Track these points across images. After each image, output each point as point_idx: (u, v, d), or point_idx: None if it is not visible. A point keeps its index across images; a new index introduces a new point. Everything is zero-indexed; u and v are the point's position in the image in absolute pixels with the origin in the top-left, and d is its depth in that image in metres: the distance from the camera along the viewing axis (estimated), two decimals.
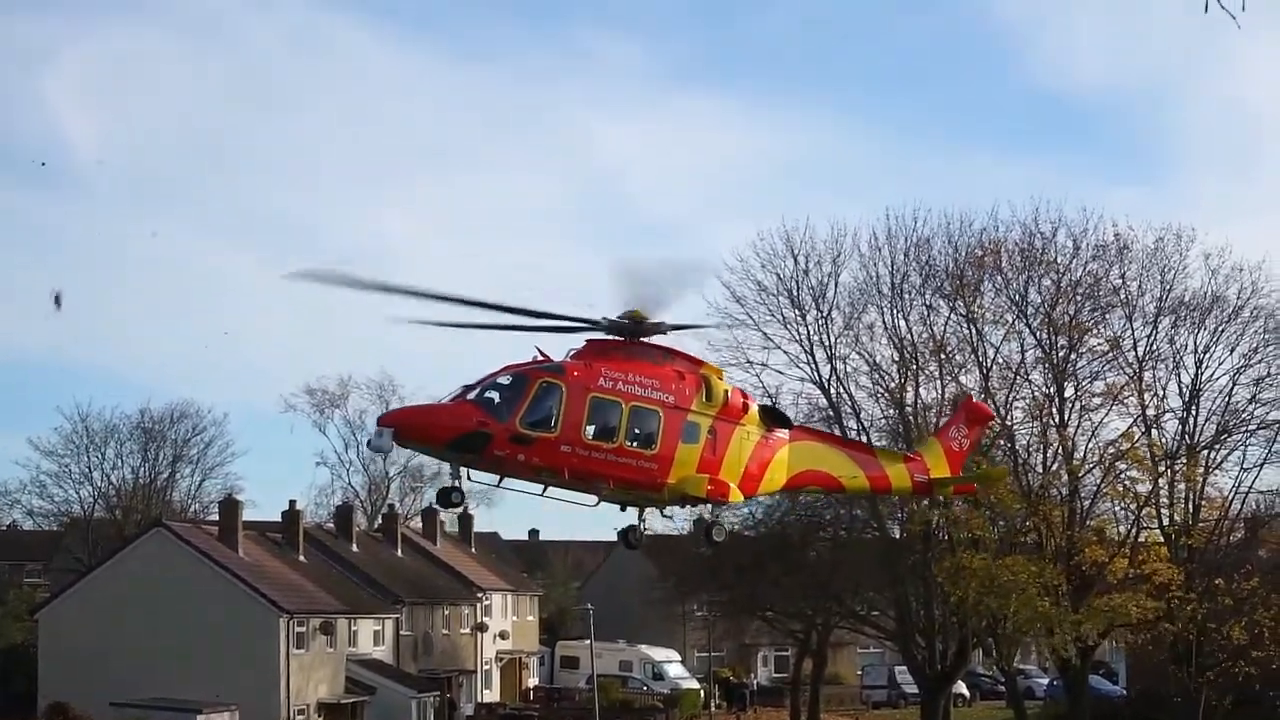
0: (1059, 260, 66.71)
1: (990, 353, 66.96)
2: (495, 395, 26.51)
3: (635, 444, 27.01)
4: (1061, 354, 65.86)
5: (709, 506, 29.64)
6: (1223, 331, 66.38)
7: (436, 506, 25.09)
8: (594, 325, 27.43)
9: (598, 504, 28.01)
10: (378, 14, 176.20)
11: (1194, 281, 66.39)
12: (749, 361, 66.43)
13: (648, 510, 29.18)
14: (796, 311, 67.73)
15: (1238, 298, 66.13)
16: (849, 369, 68.72)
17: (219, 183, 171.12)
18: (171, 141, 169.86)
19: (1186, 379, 66.71)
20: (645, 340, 27.79)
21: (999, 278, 67.00)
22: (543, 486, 27.36)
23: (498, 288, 55.38)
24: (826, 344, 68.03)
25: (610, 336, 27.63)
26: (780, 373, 67.38)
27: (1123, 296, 66.62)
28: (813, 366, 67.93)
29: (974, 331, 67.00)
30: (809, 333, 67.85)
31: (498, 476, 27.06)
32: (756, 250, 67.87)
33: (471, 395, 26.44)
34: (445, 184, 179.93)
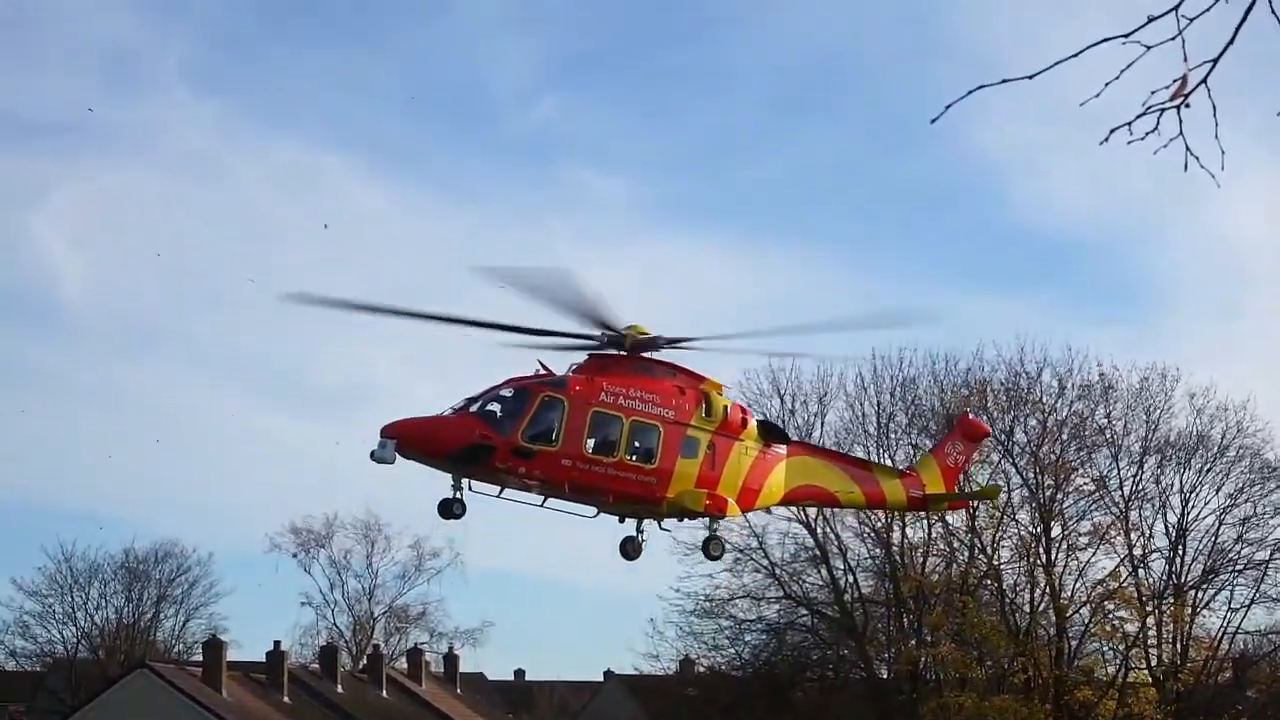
0: (1044, 400, 67.21)
1: None
2: (498, 408, 26.62)
3: (635, 458, 27.25)
4: (1048, 493, 66.04)
5: (708, 521, 29.82)
6: (1209, 471, 66.69)
7: (440, 518, 25.49)
8: (593, 340, 27.68)
9: (596, 515, 28.03)
10: (366, 153, 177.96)
11: (1179, 421, 66.91)
12: None
13: (647, 527, 29.22)
14: None
15: (1222, 438, 66.57)
16: None
17: (205, 321, 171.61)
18: (156, 280, 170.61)
19: (1173, 518, 66.92)
20: (646, 356, 28.01)
21: (985, 417, 67.41)
22: (542, 499, 27.39)
23: None
24: None
25: (611, 352, 27.94)
26: (766, 511, 67.48)
27: (1108, 436, 67.01)
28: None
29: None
30: None
31: (498, 488, 26.93)
32: (743, 389, 68.28)
33: (474, 408, 26.51)
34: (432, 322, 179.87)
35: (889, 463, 67.64)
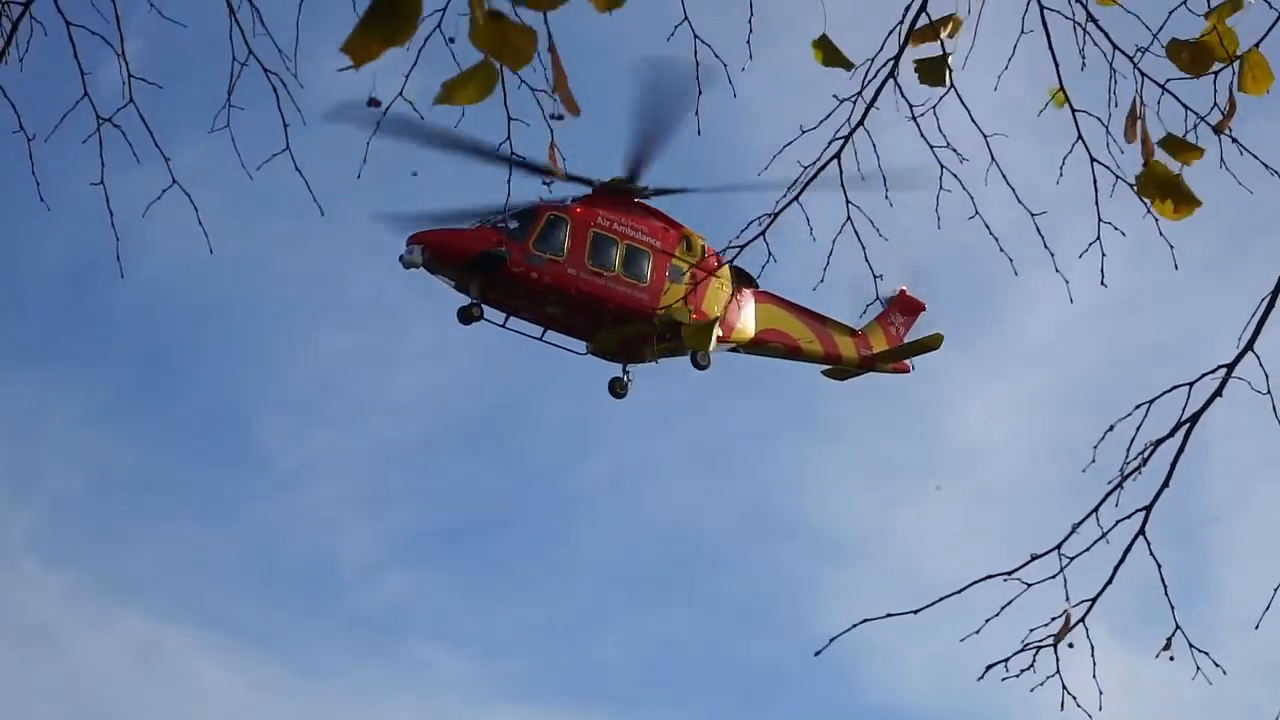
0: None
1: None
2: (513, 223, 29.68)
3: (629, 275, 30.99)
4: None
5: (692, 354, 32.85)
6: None
7: (460, 324, 27.89)
8: (589, 184, 30.96)
9: (586, 353, 31.31)
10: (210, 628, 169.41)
11: None
12: None
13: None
14: None
15: None
16: None
17: None
18: None
19: None
20: (634, 199, 31.67)
21: None
22: (542, 331, 30.68)
23: None
24: None
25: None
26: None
27: None
28: None
29: None
30: None
31: (505, 316, 30.09)
32: None
33: (490, 224, 29.56)
34: None
35: None
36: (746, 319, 34.03)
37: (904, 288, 51.57)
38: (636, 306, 31.25)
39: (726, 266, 32.66)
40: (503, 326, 31.04)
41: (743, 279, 32.80)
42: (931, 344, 55.31)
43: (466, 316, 30.54)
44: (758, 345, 36.65)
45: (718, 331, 32.70)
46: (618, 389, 33.14)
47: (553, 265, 30.22)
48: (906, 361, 43.37)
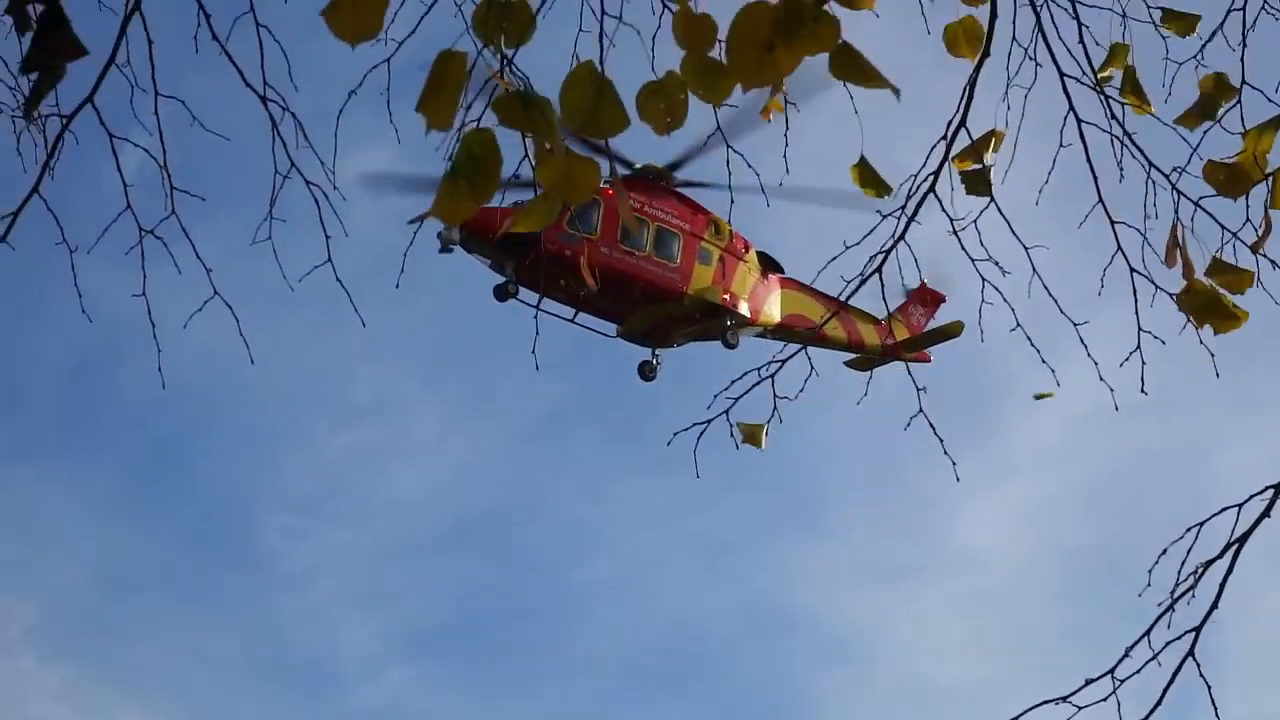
0: None
1: None
2: None
3: (660, 256, 31.45)
4: None
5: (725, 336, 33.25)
6: None
7: (497, 301, 28.40)
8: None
9: (616, 335, 31.64)
10: None
11: None
12: None
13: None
14: None
15: None
16: None
17: None
18: None
19: None
20: (663, 185, 32.02)
21: None
22: (574, 312, 30.50)
23: None
24: None
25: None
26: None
27: None
28: None
29: None
30: None
31: (538, 297, 28.52)
32: None
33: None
34: None
35: None
36: (773, 303, 34.65)
37: (924, 280, 51.74)
38: (667, 286, 31.82)
39: (753, 251, 34.18)
40: (535, 307, 31.48)
41: (769, 264, 34.67)
42: (952, 331, 55.12)
43: (502, 294, 30.64)
44: (784, 330, 37.40)
45: (745, 313, 33.43)
46: (647, 372, 33.61)
47: (586, 242, 30.44)
48: (927, 351, 43.85)
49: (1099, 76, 6.98)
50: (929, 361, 51.82)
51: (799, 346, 7.21)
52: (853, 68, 4.47)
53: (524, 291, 30.42)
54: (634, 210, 31.45)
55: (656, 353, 33.40)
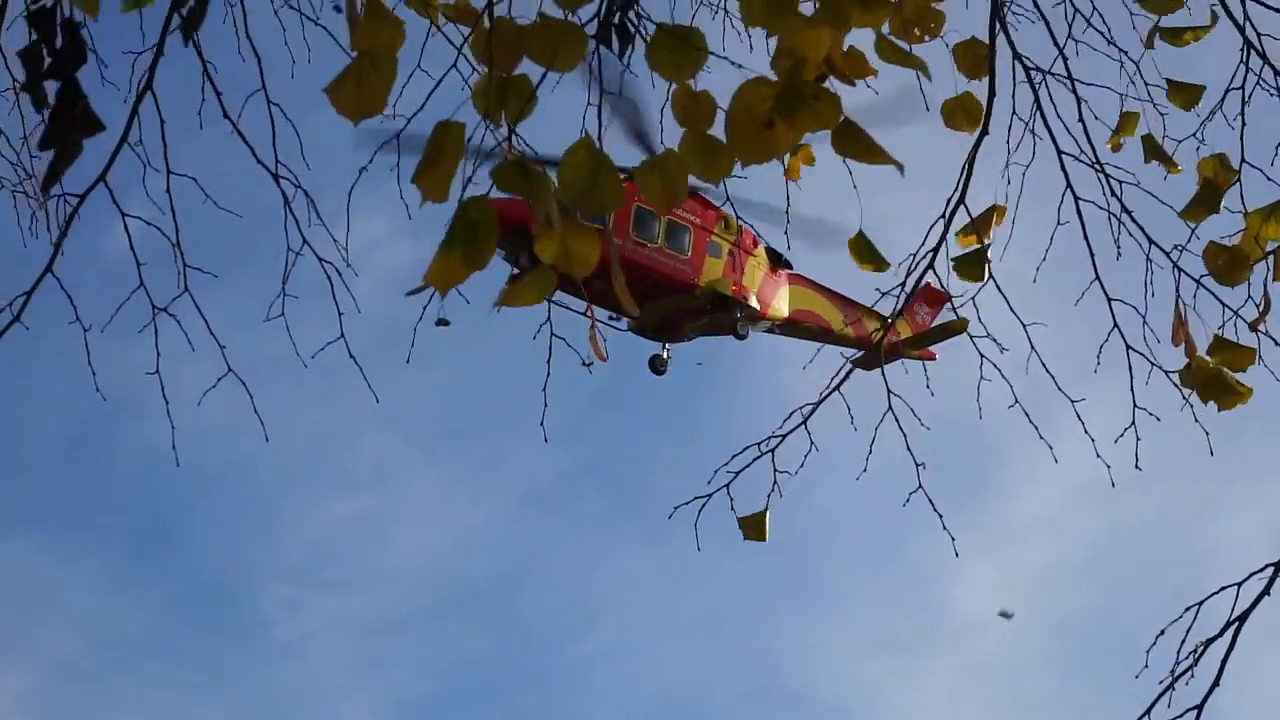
0: None
1: None
2: None
3: (672, 248, 31.32)
4: None
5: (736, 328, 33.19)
6: None
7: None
8: (625, 171, 31.70)
9: (628, 329, 31.16)
10: None
11: None
12: None
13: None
14: None
15: None
16: None
17: None
18: None
19: None
20: None
21: None
22: (587, 305, 29.75)
23: None
24: None
25: None
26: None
27: None
28: None
29: None
30: None
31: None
32: None
33: None
34: None
35: None
36: (782, 298, 34.51)
37: (929, 281, 52.44)
38: (679, 278, 31.84)
39: (762, 247, 34.32)
40: (550, 300, 31.77)
41: (777, 260, 34.17)
42: (956, 328, 55.27)
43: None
44: (792, 325, 37.83)
45: (755, 305, 33.91)
46: (658, 365, 34.19)
47: (598, 234, 31.08)
48: (932, 349, 43.79)
49: (1110, 145, 7.02)
50: (934, 359, 51.90)
51: (799, 422, 7.21)
52: (855, 144, 4.48)
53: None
54: (644, 203, 32.11)
55: (667, 346, 33.81)
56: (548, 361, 7.64)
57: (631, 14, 5.94)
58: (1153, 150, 6.83)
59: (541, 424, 8.35)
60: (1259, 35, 6.84)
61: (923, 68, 4.94)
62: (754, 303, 33.53)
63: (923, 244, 6.97)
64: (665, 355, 34.43)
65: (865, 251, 6.75)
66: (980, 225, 6.80)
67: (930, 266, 7.11)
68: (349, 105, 4.37)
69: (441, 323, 6.39)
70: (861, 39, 4.75)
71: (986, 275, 7.00)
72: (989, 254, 7.04)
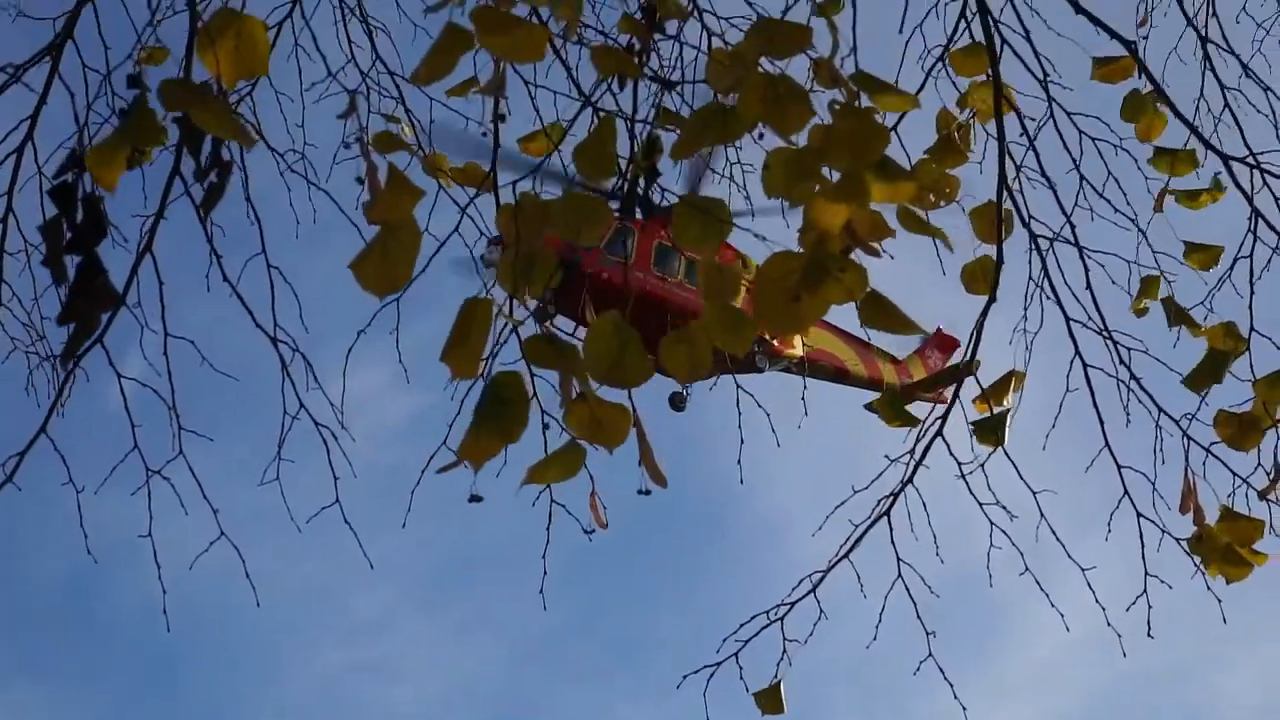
0: None
1: None
2: None
3: (692, 282, 30.29)
4: None
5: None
6: None
7: (535, 322, 27.14)
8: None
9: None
10: None
11: None
12: None
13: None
14: None
15: None
16: None
17: None
18: None
19: None
20: None
21: None
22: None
23: None
24: None
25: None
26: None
27: None
28: None
29: None
30: None
31: (575, 324, 30.19)
32: None
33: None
34: None
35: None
36: (797, 338, 36.32)
37: (940, 326, 52.77)
38: (698, 310, 32.84)
39: None
40: (571, 335, 32.33)
41: None
42: (968, 370, 55.19)
43: (541, 315, 31.61)
44: (808, 365, 37.80)
45: (773, 341, 34.35)
46: (677, 402, 34.41)
47: (620, 268, 32.25)
48: (944, 392, 43.43)
49: (1134, 310, 7.01)
50: (945, 402, 52.07)
51: (808, 589, 7.12)
52: (883, 316, 4.46)
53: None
54: (664, 239, 33.23)
55: (686, 385, 33.86)
56: (547, 529, 7.55)
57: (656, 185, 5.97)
58: (1176, 314, 6.82)
59: (540, 592, 8.24)
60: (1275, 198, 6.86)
61: (942, 236, 4.95)
62: (771, 339, 34.77)
63: (931, 410, 6.96)
64: (685, 393, 34.81)
65: (894, 410, 6.77)
66: (997, 390, 6.78)
67: (939, 434, 7.08)
68: (374, 280, 4.33)
69: (474, 499, 6.35)
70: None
71: (1004, 439, 6.97)
72: (1009, 419, 7.01)
